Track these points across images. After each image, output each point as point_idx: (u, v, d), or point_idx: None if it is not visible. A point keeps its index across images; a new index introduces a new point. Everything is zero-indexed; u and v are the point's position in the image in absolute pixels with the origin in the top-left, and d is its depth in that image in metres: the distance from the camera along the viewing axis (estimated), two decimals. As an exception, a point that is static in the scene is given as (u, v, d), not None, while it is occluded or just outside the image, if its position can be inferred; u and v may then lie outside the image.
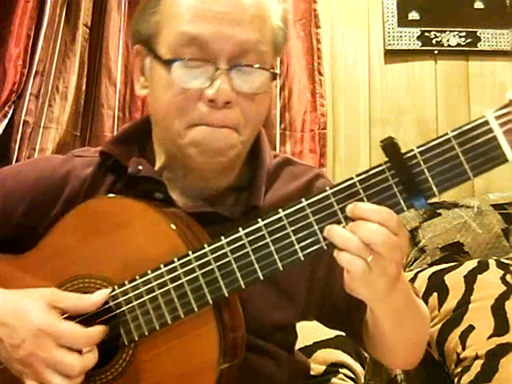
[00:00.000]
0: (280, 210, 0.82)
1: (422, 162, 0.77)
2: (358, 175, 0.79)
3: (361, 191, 0.79)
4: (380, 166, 0.79)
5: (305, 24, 2.14)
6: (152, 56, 0.98)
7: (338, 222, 0.79)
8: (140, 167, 1.01)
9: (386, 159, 0.78)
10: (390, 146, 0.78)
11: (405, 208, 0.78)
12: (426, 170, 0.77)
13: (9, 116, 1.93)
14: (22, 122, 1.94)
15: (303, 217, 0.81)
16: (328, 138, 2.14)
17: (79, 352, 0.86)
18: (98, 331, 0.88)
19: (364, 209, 0.77)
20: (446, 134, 0.77)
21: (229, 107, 0.93)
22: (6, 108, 1.93)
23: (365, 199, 0.79)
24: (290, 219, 0.81)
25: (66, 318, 0.89)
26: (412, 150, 0.78)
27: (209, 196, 1.01)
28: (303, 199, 0.81)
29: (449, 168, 0.76)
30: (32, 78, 1.96)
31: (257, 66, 0.95)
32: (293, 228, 0.81)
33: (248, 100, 0.95)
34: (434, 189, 0.77)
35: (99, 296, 0.90)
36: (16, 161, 1.92)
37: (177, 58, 0.93)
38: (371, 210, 0.77)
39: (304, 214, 0.80)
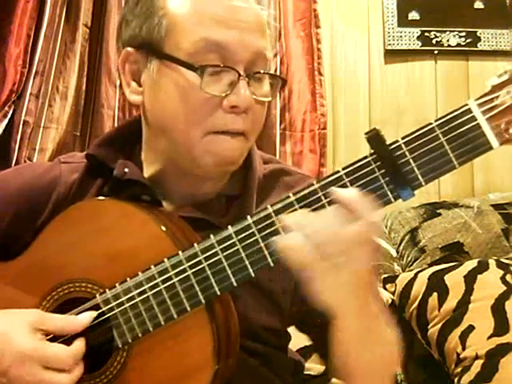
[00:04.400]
0: (268, 207, 0.82)
1: (407, 153, 0.77)
2: (344, 168, 0.80)
3: (348, 184, 0.79)
4: (366, 157, 0.79)
5: (305, 24, 2.14)
6: (162, 60, 0.94)
7: None
8: (126, 170, 0.99)
9: (372, 151, 0.79)
10: (374, 138, 0.78)
11: (392, 199, 0.79)
12: (411, 161, 0.77)
13: (9, 116, 1.92)
14: (22, 122, 1.94)
15: (292, 212, 0.81)
16: (328, 138, 2.14)
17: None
18: (81, 346, 0.88)
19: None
20: (430, 123, 0.77)
21: (247, 113, 0.94)
22: (6, 108, 1.92)
23: None
24: (280, 215, 0.81)
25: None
26: (397, 141, 0.78)
27: (198, 202, 1.00)
28: (291, 194, 0.81)
29: (434, 157, 0.77)
30: (32, 78, 1.95)
31: (270, 72, 0.97)
32: (282, 224, 0.80)
33: (259, 106, 0.96)
34: (421, 179, 0.77)
35: (85, 318, 0.89)
36: (16, 161, 1.92)
37: (200, 65, 0.91)
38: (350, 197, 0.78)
39: (293, 210, 0.80)
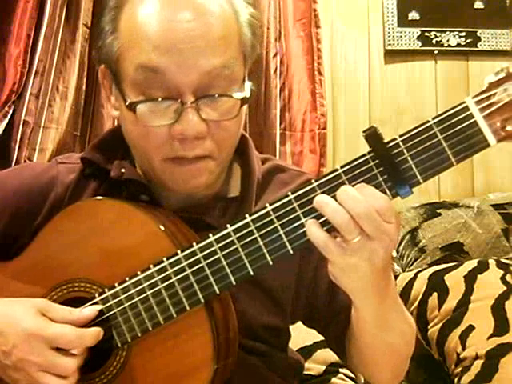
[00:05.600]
0: (267, 205, 0.82)
1: (405, 151, 0.77)
2: (342, 166, 0.80)
3: (346, 182, 0.79)
4: (364, 155, 0.79)
5: (305, 24, 2.14)
6: (115, 86, 0.93)
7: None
8: (123, 170, 0.99)
9: (370, 149, 0.79)
10: (372, 136, 0.78)
11: (390, 197, 0.78)
12: (409, 158, 0.77)
13: (9, 116, 1.92)
14: (22, 122, 1.94)
15: (290, 210, 0.80)
16: (328, 138, 2.14)
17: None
18: (90, 332, 0.87)
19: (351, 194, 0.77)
20: (428, 121, 0.77)
21: (200, 138, 0.89)
22: (6, 108, 1.92)
23: None
24: (278, 213, 0.81)
25: None
26: (395, 139, 0.78)
27: (196, 203, 0.99)
28: (289, 193, 0.81)
29: (432, 155, 0.77)
30: (32, 77, 1.95)
31: (224, 93, 0.89)
32: (280, 222, 0.81)
33: (219, 127, 0.90)
34: (418, 176, 0.77)
35: (88, 311, 0.89)
36: (16, 161, 1.92)
37: (138, 101, 0.88)
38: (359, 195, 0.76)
39: (291, 208, 0.80)
